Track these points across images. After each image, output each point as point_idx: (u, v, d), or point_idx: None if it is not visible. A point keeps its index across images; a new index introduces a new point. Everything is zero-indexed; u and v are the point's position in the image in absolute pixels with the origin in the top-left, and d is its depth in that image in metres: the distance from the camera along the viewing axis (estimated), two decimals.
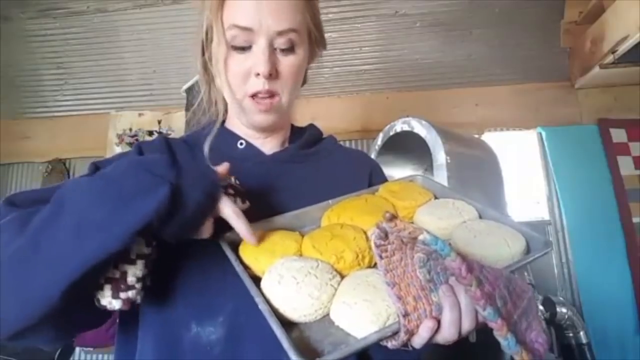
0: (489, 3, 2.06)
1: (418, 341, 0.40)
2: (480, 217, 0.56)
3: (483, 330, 0.41)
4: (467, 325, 0.40)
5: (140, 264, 0.46)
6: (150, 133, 2.35)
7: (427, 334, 0.39)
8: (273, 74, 0.56)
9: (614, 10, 1.83)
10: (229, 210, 0.46)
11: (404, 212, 0.57)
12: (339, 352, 0.37)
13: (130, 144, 2.34)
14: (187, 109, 2.05)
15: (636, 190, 2.00)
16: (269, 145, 0.65)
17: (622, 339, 1.83)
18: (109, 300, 0.45)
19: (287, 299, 0.42)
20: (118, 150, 2.33)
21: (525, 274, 1.82)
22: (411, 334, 0.39)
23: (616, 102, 2.15)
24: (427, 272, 0.40)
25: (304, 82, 0.67)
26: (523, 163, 2.14)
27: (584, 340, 1.75)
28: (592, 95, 2.17)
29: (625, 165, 2.04)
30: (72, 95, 2.41)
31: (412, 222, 0.54)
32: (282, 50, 0.56)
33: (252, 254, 0.49)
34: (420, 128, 1.45)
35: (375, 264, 0.45)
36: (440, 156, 1.36)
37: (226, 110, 0.66)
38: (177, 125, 2.34)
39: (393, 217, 0.39)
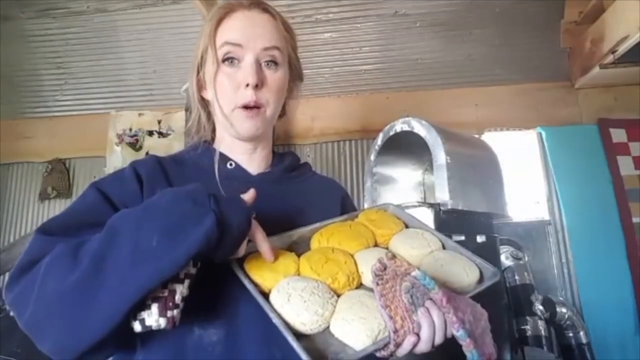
0: (489, 3, 2.06)
1: (401, 352, 0.49)
2: (444, 247, 0.65)
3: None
4: (438, 339, 0.50)
5: (187, 283, 0.48)
6: (151, 133, 2.36)
7: (409, 347, 0.49)
8: (259, 85, 0.63)
9: (614, 10, 1.83)
10: (259, 233, 0.53)
11: (381, 239, 0.66)
12: (348, 358, 0.46)
13: (130, 144, 2.34)
14: (186, 109, 2.05)
15: (636, 190, 2.00)
16: (254, 166, 0.71)
17: (622, 339, 1.83)
18: (155, 319, 0.46)
19: (297, 315, 0.49)
20: (118, 150, 2.33)
21: (525, 274, 1.83)
22: (398, 346, 0.48)
23: (616, 102, 2.15)
24: (410, 297, 0.49)
25: (283, 113, 0.74)
26: (523, 163, 2.14)
27: (584, 340, 1.75)
28: (592, 95, 2.18)
29: (625, 165, 2.04)
30: (72, 95, 2.41)
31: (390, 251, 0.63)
32: (267, 66, 0.64)
33: (257, 271, 0.55)
34: (420, 128, 1.45)
35: (361, 284, 0.58)
36: (440, 156, 1.36)
37: (213, 130, 0.73)
38: (176, 125, 2.34)
39: (394, 256, 0.50)
